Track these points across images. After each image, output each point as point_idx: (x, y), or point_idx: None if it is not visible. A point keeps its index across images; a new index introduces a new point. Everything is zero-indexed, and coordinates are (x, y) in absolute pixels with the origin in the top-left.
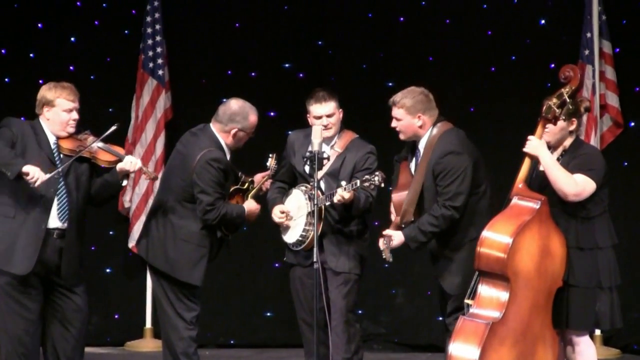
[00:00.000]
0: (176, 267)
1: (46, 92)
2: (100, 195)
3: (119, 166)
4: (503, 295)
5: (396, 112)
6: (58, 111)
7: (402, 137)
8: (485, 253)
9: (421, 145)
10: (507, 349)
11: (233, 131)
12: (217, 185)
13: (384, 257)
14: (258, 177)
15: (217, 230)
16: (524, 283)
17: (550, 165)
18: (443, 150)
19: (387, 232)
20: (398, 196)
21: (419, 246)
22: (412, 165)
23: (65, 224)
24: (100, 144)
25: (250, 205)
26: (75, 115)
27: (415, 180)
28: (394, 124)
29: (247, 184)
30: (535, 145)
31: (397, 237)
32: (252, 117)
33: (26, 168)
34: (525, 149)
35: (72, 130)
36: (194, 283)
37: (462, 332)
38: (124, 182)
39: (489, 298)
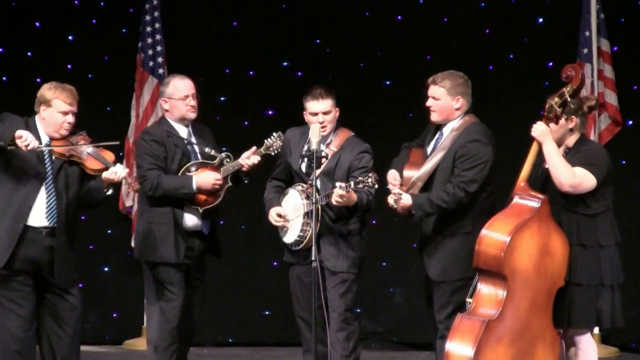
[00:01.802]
0: (145, 250)
1: (46, 91)
2: (86, 200)
3: (104, 175)
4: (500, 294)
5: (436, 91)
6: (53, 112)
7: (434, 117)
8: (484, 251)
9: (446, 130)
10: (504, 348)
11: (164, 102)
12: (149, 157)
13: (392, 204)
14: (245, 154)
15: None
16: (522, 282)
17: (552, 152)
18: (471, 136)
19: (397, 191)
20: (408, 172)
21: (422, 215)
22: (430, 148)
23: (55, 224)
24: (90, 150)
25: (203, 177)
26: (70, 118)
27: (432, 159)
28: (429, 103)
29: (218, 159)
30: (542, 130)
31: (405, 198)
32: (173, 81)
33: (19, 132)
34: (532, 133)
35: (65, 133)
36: (164, 260)
37: (459, 330)
38: (109, 192)
39: (487, 296)
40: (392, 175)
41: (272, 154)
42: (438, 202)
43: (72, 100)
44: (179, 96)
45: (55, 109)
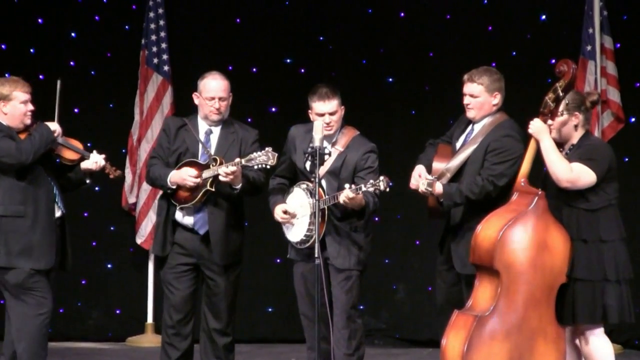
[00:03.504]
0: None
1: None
2: (66, 190)
3: (84, 166)
4: (493, 289)
5: (474, 88)
6: (16, 104)
7: (472, 114)
8: (478, 246)
9: (477, 125)
10: (499, 343)
11: (195, 97)
12: (157, 145)
13: (425, 189)
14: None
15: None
16: (516, 277)
17: (549, 149)
18: (505, 131)
19: (430, 177)
20: (438, 164)
21: (450, 204)
22: (459, 143)
23: (64, 211)
24: (61, 140)
25: (179, 173)
26: (31, 106)
27: (463, 151)
28: (467, 100)
29: (208, 161)
30: (538, 127)
31: (437, 186)
32: (206, 79)
33: (52, 126)
34: (529, 130)
35: (29, 121)
36: (155, 253)
37: (454, 326)
38: (88, 180)
39: (481, 291)
40: (419, 172)
41: (255, 167)
42: (467, 193)
43: (28, 88)
44: (205, 95)
45: (17, 101)
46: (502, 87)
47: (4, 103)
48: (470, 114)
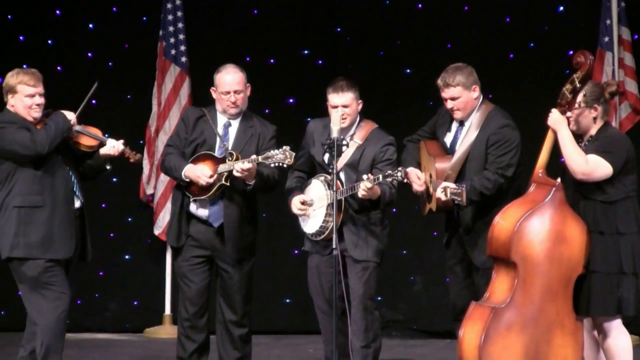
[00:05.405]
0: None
1: (9, 79)
2: (87, 178)
3: (103, 152)
4: (510, 281)
5: (453, 91)
6: (20, 97)
7: (459, 116)
8: (495, 238)
9: (467, 121)
10: (516, 335)
11: (213, 92)
12: (175, 133)
13: (441, 196)
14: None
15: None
16: (533, 268)
17: (566, 140)
18: (501, 122)
19: (452, 185)
20: (441, 165)
21: (467, 203)
22: (449, 139)
23: (83, 202)
24: (78, 128)
25: (194, 167)
26: (38, 99)
27: (461, 149)
28: (450, 104)
29: (223, 155)
30: (556, 118)
31: (464, 193)
32: (220, 74)
33: (68, 116)
34: (548, 122)
35: (37, 114)
36: (172, 245)
37: (471, 318)
38: (109, 166)
39: (499, 283)
40: (416, 175)
41: (272, 165)
42: (482, 189)
43: (35, 81)
44: (220, 90)
45: (22, 94)
46: (476, 78)
47: (11, 95)
48: (457, 115)
